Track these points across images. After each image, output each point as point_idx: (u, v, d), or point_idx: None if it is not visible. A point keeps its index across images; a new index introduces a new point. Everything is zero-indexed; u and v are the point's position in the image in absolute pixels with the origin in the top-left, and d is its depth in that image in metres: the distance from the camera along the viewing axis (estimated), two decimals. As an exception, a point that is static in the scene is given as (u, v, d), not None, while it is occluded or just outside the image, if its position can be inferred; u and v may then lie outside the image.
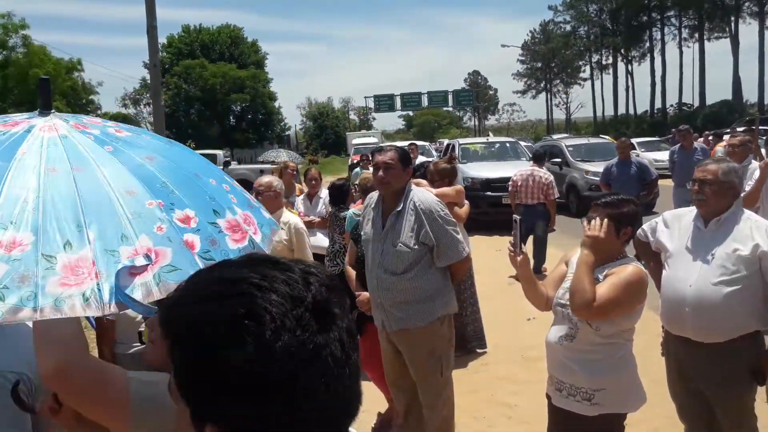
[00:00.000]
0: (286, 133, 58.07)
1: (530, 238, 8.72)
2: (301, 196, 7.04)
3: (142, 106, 51.68)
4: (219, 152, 22.66)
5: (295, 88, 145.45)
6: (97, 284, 1.26)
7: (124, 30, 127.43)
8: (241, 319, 0.71)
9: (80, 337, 1.39)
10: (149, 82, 15.39)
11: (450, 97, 55.48)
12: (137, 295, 1.28)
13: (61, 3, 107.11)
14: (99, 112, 46.58)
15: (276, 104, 52.68)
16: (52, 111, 1.59)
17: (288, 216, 4.71)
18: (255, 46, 52.84)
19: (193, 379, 0.73)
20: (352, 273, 4.22)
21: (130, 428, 1.39)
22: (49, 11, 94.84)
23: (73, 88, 36.14)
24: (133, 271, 1.29)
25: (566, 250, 3.17)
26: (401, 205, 3.48)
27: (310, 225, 5.95)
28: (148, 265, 1.31)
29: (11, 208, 1.30)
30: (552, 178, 8.93)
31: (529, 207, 8.64)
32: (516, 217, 3.02)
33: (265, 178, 4.68)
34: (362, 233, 3.74)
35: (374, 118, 71.20)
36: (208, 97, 44.82)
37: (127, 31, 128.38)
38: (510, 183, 9.10)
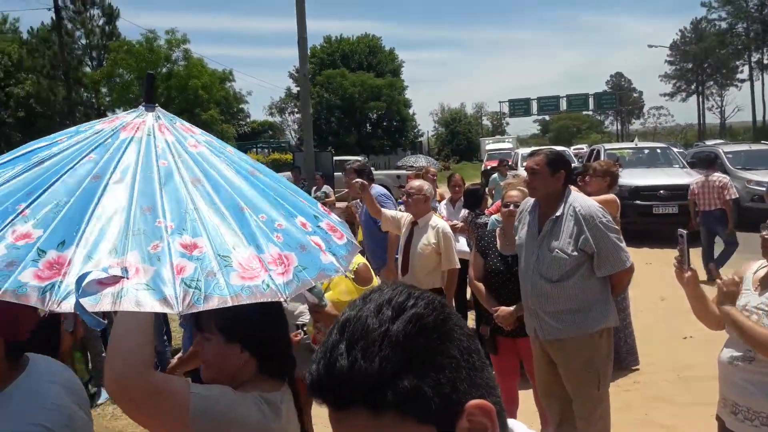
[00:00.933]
0: (419, 139, 58.67)
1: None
2: (444, 201, 7.08)
3: (286, 115, 54.71)
4: (357, 158, 23.41)
5: (428, 95, 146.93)
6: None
7: (272, 42, 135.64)
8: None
9: (144, 351, 1.41)
10: (294, 91, 16.15)
11: (591, 100, 53.33)
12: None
13: (217, 18, 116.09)
14: (248, 120, 49.91)
15: (410, 111, 53.43)
16: (156, 105, 1.70)
17: (436, 220, 4.74)
18: (392, 55, 53.97)
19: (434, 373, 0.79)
20: (481, 288, 4.09)
21: None
22: (206, 26, 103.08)
23: (225, 97, 38.94)
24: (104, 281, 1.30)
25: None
26: (560, 210, 3.38)
27: (453, 230, 5.96)
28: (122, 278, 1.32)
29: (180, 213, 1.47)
30: (728, 179, 8.94)
31: (708, 213, 8.78)
32: (681, 231, 2.79)
33: (416, 182, 4.75)
34: (516, 237, 3.67)
35: (508, 123, 70.08)
36: (347, 106, 46.41)
37: (276, 42, 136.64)
38: (689, 192, 9.23)
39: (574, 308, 3.35)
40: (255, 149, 42.22)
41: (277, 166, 33.45)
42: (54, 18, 34.06)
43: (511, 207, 3.96)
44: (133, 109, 1.64)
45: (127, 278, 1.31)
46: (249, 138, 47.32)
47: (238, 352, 1.63)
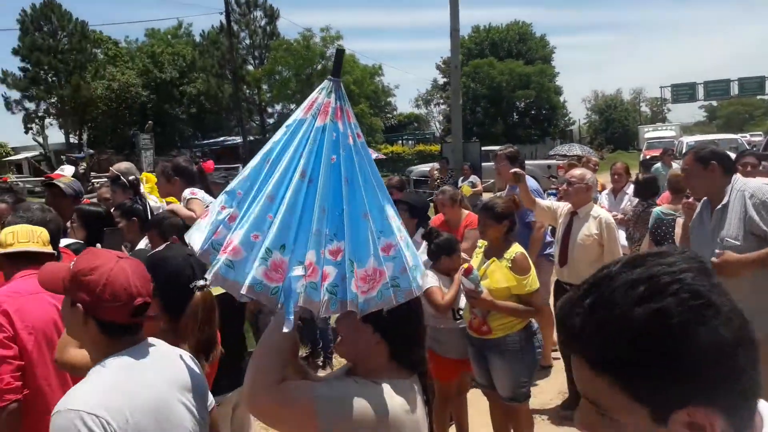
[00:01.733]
0: (570, 128, 56.37)
1: None
2: (605, 191, 6.75)
3: (432, 106, 55.08)
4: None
5: (581, 81, 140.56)
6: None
7: (420, 34, 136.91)
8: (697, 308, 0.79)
9: (274, 371, 1.57)
10: (441, 82, 16.20)
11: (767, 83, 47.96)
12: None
13: (367, 14, 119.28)
14: (395, 113, 50.89)
15: (561, 99, 51.48)
16: (340, 79, 1.70)
17: (598, 210, 4.56)
18: (543, 41, 52.28)
19: (659, 369, 0.79)
20: None
21: None
22: (358, 22, 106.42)
23: (375, 91, 40.03)
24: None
25: None
26: (726, 198, 3.24)
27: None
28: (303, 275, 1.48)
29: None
30: None
31: None
32: None
33: (578, 170, 4.60)
34: (691, 236, 3.48)
35: (669, 110, 65.13)
36: (494, 95, 45.73)
37: (424, 35, 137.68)
38: None
39: (759, 306, 3.06)
40: (400, 141, 43.02)
41: (423, 157, 33.87)
42: (222, 21, 37.02)
43: (691, 199, 3.77)
44: (323, 85, 1.68)
45: (304, 278, 1.47)
46: (395, 130, 48.26)
47: (371, 332, 1.69)
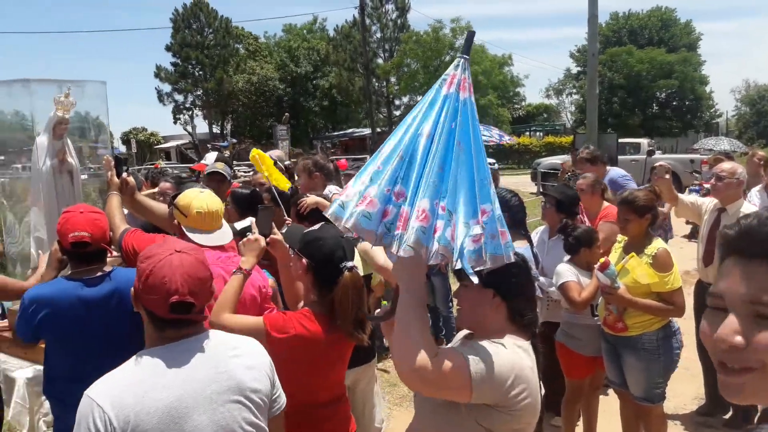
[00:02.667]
0: (715, 120, 52.19)
1: None
2: (757, 188, 6.24)
3: (563, 96, 53.19)
4: (643, 141, 21.69)
5: (730, 71, 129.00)
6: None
7: (552, 22, 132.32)
8: None
9: (423, 345, 1.58)
10: (574, 71, 15.60)
11: None
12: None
13: (497, 3, 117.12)
14: (523, 103, 49.72)
15: (707, 89, 47.75)
16: (469, 57, 1.78)
17: (748, 207, 4.25)
18: (688, 28, 48.72)
19: None
20: None
21: (473, 400, 1.62)
22: (487, 12, 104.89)
23: (503, 81, 39.34)
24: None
25: None
26: None
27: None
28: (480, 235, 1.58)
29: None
30: None
31: None
32: None
33: (728, 164, 4.32)
34: None
35: (837, 102, 58.34)
36: (632, 85, 43.31)
37: (556, 23, 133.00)
38: None
39: None
40: (528, 132, 41.96)
41: (551, 150, 32.85)
42: (355, 16, 38.00)
43: None
44: (456, 61, 1.77)
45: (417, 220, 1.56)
46: (523, 121, 47.16)
47: (491, 297, 1.77)
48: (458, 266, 1.56)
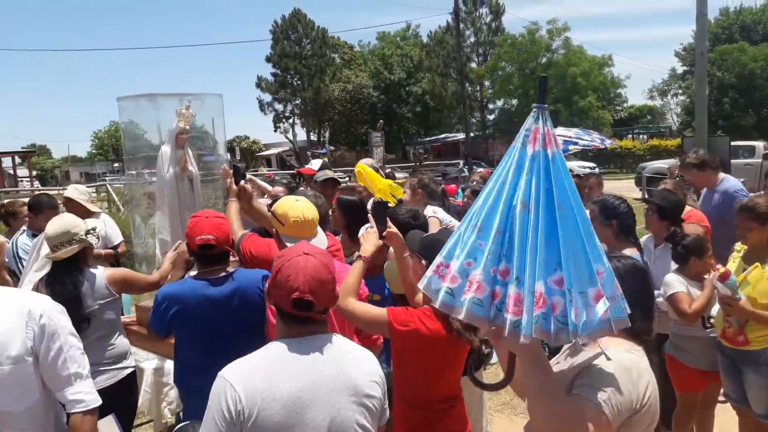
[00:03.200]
0: None
1: None
2: None
3: (669, 98, 50.61)
4: (758, 144, 20.22)
5: None
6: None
7: (656, 21, 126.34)
8: None
9: (565, 404, 1.58)
10: (680, 71, 14.83)
11: None
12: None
13: (596, 2, 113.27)
14: (625, 105, 47.79)
15: (830, 86, 43.86)
16: (546, 106, 1.65)
17: None
18: (810, 20, 45.08)
19: None
20: None
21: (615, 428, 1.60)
22: (585, 12, 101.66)
23: (603, 83, 37.98)
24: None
25: None
26: None
27: None
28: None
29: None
30: None
31: None
32: None
33: None
34: None
35: None
36: (745, 84, 40.52)
37: (660, 22, 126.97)
38: None
39: None
40: (631, 135, 40.27)
41: (656, 153, 31.33)
42: (449, 21, 38.05)
43: None
44: (533, 113, 1.67)
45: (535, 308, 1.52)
46: (625, 124, 45.30)
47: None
48: (582, 342, 1.55)
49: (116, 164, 61.67)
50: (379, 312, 2.44)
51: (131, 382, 3.28)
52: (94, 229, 3.13)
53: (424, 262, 2.47)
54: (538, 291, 1.49)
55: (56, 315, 2.06)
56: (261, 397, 1.67)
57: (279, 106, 47.87)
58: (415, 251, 2.58)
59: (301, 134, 49.22)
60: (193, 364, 2.81)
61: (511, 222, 1.56)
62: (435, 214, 4.08)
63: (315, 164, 5.70)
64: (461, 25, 37.46)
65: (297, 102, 47.24)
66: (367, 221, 3.70)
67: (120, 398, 3.10)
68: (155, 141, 4.88)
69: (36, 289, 3.10)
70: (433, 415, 2.47)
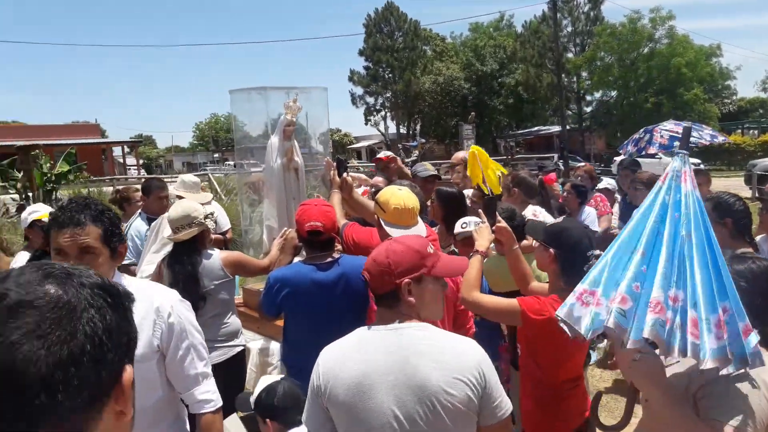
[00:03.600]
0: None
1: None
2: None
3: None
4: None
5: None
6: None
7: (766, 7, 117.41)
8: None
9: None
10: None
11: None
12: None
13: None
14: (734, 98, 44.86)
15: None
16: (688, 152, 1.78)
17: None
18: None
19: None
20: None
21: None
22: (693, 0, 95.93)
23: (711, 74, 35.79)
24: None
25: None
26: None
27: None
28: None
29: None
30: None
31: None
32: None
33: None
34: None
35: None
36: None
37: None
38: None
39: None
40: (740, 130, 37.74)
41: (769, 149, 29.21)
42: (544, 10, 37.10)
43: None
44: (678, 158, 1.81)
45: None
46: (734, 117, 42.53)
47: None
48: (706, 366, 1.56)
49: (216, 155, 64.68)
50: (510, 302, 2.54)
51: (241, 360, 3.49)
52: (212, 213, 3.35)
53: (552, 250, 2.56)
54: (713, 318, 1.58)
55: (184, 312, 2.07)
56: (332, 376, 1.79)
57: (370, 99, 48.39)
58: (540, 240, 2.65)
59: (392, 127, 49.60)
60: (300, 344, 2.95)
61: (680, 251, 1.66)
62: (535, 216, 3.99)
63: (383, 154, 5.92)
64: (558, 14, 36.35)
65: (388, 95, 47.57)
66: (466, 214, 3.74)
67: (230, 374, 3.31)
68: (255, 133, 5.11)
69: (158, 269, 3.36)
70: (559, 394, 2.59)
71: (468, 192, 4.35)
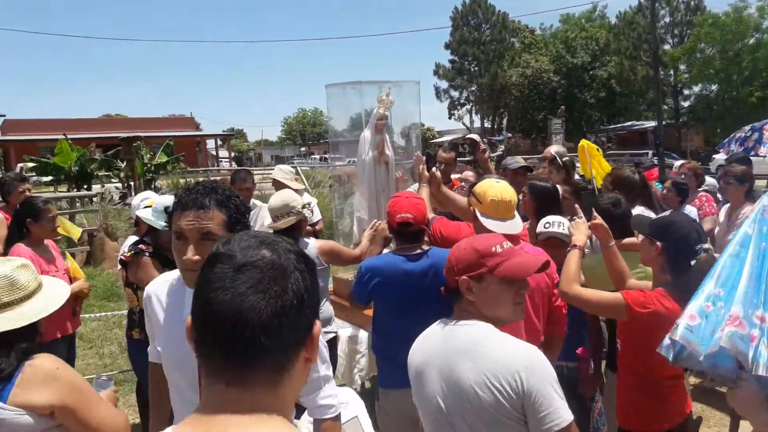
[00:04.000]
0: None
1: None
2: None
3: None
4: None
5: None
6: None
7: None
8: None
9: None
10: None
11: None
12: None
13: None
14: None
15: None
16: None
17: None
18: None
19: None
20: None
21: None
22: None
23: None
24: None
25: None
26: None
27: None
28: None
29: None
30: None
31: None
32: None
33: None
34: None
35: None
36: None
37: None
38: None
39: None
40: None
41: None
42: (641, 1, 35.51)
43: None
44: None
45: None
46: None
47: None
48: None
49: (302, 148, 66.37)
50: (614, 296, 2.54)
51: (333, 346, 3.60)
52: (309, 204, 3.48)
53: (659, 243, 2.53)
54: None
55: None
56: (410, 360, 1.97)
57: (455, 93, 48.16)
58: (646, 233, 2.61)
59: (476, 121, 49.13)
60: (390, 333, 3.01)
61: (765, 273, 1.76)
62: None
63: (473, 136, 5.88)
64: (656, 4, 34.69)
65: (473, 88, 47.14)
66: (560, 209, 3.68)
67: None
68: (343, 127, 5.22)
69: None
70: (660, 390, 2.57)
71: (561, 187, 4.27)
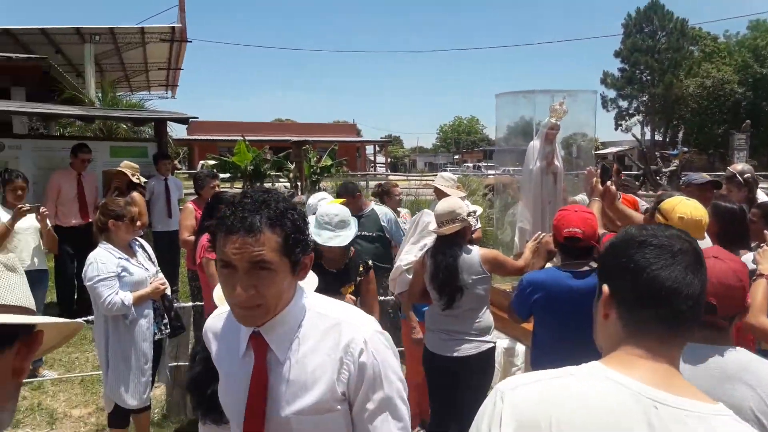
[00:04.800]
0: None
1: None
2: None
3: None
4: None
5: None
6: None
7: None
8: None
9: None
10: None
11: None
12: None
13: None
14: None
15: None
16: None
17: None
18: None
19: None
20: None
21: None
22: None
23: None
24: None
25: None
26: None
27: None
28: None
29: None
30: None
31: None
32: None
33: None
34: None
35: None
36: None
37: None
38: None
39: None
40: None
41: None
42: None
43: None
44: None
45: None
46: None
47: None
48: None
49: (456, 156, 66.49)
50: None
51: (490, 356, 3.58)
52: (474, 212, 3.49)
53: None
54: None
55: (383, 350, 1.51)
56: None
57: (623, 103, 45.67)
58: None
59: (646, 133, 46.15)
60: (550, 351, 2.93)
61: None
62: None
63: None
64: None
65: (644, 99, 44.39)
66: (747, 236, 3.35)
67: (480, 368, 3.42)
68: (504, 136, 5.15)
69: (422, 258, 3.59)
70: None
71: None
